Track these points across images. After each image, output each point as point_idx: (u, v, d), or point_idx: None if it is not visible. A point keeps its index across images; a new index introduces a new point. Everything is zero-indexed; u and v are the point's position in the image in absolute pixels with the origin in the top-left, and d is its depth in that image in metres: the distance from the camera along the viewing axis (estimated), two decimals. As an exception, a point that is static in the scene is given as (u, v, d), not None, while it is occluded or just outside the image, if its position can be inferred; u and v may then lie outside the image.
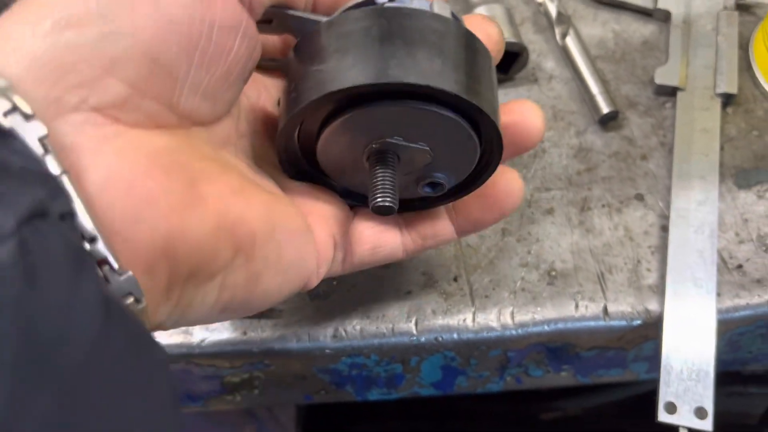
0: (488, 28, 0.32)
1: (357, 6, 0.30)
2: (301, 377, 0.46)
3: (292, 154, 0.32)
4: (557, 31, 0.52)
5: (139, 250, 0.24)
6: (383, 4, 0.29)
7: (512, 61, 0.50)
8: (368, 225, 0.35)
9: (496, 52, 0.32)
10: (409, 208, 0.35)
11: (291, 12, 0.30)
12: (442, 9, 0.30)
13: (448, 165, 0.32)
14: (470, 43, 0.29)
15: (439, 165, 0.31)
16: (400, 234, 0.35)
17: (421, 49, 0.27)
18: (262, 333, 0.43)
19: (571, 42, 0.51)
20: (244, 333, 0.43)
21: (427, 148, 0.30)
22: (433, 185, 0.33)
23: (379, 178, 0.29)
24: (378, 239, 0.35)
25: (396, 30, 0.27)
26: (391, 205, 0.29)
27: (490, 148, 0.31)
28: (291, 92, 0.29)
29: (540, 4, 0.53)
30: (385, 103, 0.28)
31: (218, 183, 0.28)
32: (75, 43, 0.24)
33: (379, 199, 0.29)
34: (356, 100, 0.28)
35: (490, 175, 0.33)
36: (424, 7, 0.29)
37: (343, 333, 0.43)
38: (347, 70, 0.27)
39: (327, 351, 0.43)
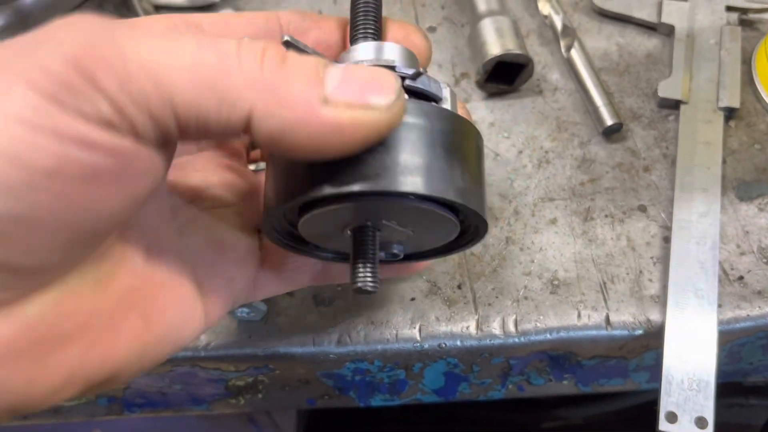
0: (415, 39, 0.33)
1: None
2: (305, 382, 0.47)
3: (278, 228, 0.32)
4: (562, 43, 0.53)
5: None
6: (404, 83, 0.29)
7: (518, 72, 0.51)
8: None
9: (424, 59, 0.33)
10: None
11: None
12: (446, 97, 0.30)
13: (424, 242, 0.33)
14: (464, 133, 0.29)
15: (414, 241, 0.32)
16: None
17: (415, 155, 0.26)
18: (268, 337, 0.44)
19: (575, 54, 0.52)
20: (249, 337, 0.44)
21: (411, 232, 0.31)
22: (392, 254, 0.34)
23: (360, 261, 0.30)
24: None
25: (393, 133, 0.27)
26: (372, 289, 0.29)
27: (474, 230, 0.32)
28: (283, 177, 0.28)
29: (545, 17, 0.54)
30: (378, 198, 0.28)
31: (78, 342, 0.26)
32: None
33: (360, 283, 0.29)
34: (349, 197, 0.28)
35: (472, 245, 0.33)
36: (438, 92, 0.30)
37: (348, 338, 0.43)
38: (343, 173, 0.26)
39: (331, 356, 0.44)
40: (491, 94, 0.52)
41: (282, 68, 0.24)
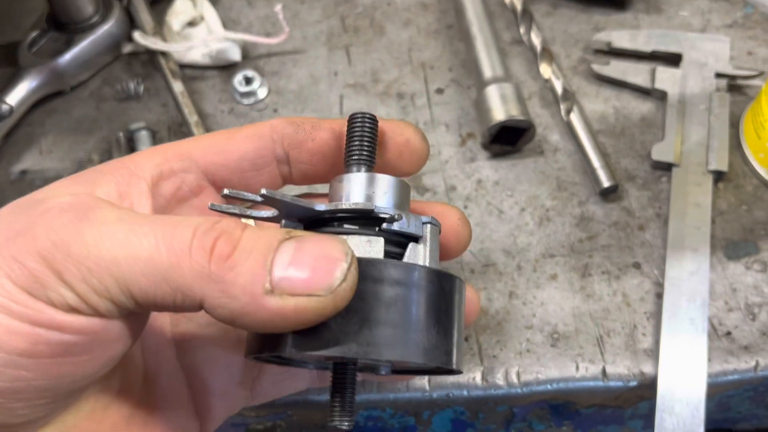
0: (409, 135, 0.35)
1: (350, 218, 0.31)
2: (320, 427, 0.50)
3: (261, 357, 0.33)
4: (562, 106, 0.56)
5: None
6: (381, 226, 0.31)
7: (521, 134, 0.54)
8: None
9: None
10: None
11: (280, 198, 0.30)
12: (425, 236, 0.32)
13: (402, 367, 0.36)
14: (433, 286, 0.30)
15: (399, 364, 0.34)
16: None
17: (378, 318, 0.28)
18: (287, 386, 0.47)
19: (575, 117, 0.56)
20: (270, 385, 0.47)
21: (390, 364, 0.35)
22: (380, 373, 0.37)
23: (338, 400, 0.31)
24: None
25: (380, 298, 0.28)
26: (348, 428, 0.31)
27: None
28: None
29: (546, 81, 0.58)
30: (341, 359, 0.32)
31: None
32: None
33: (337, 423, 0.31)
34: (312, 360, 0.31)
35: (453, 374, 0.36)
36: (418, 231, 0.32)
37: (361, 388, 0.47)
38: (307, 335, 0.28)
39: (346, 403, 0.47)
40: (496, 155, 0.56)
41: (229, 260, 0.25)
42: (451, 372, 0.32)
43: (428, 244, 0.32)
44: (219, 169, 0.34)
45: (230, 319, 0.26)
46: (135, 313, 0.27)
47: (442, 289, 0.31)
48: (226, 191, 0.30)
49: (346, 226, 0.31)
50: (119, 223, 0.26)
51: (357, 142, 0.33)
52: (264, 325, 0.26)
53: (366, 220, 0.31)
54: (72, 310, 0.25)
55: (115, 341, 0.27)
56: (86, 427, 0.29)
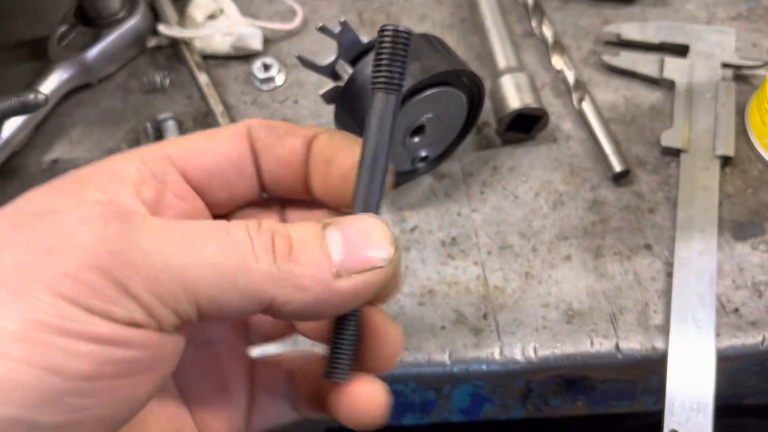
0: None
1: None
2: (327, 430, 0.52)
3: None
4: (574, 96, 0.59)
5: None
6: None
7: (534, 122, 0.56)
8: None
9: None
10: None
11: None
12: None
13: (447, 133, 0.53)
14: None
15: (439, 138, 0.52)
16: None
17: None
18: (314, 361, 0.49)
19: (586, 106, 0.58)
20: (298, 361, 0.49)
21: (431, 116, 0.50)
22: (421, 158, 0.52)
23: (337, 349, 0.30)
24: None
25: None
26: (341, 379, 0.30)
27: (477, 94, 0.53)
28: None
29: (558, 72, 0.60)
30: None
31: None
32: None
33: (330, 374, 0.29)
34: None
35: (480, 111, 0.54)
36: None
37: (385, 363, 0.49)
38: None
39: (370, 378, 0.49)
40: (510, 142, 0.58)
41: (292, 256, 0.25)
42: (480, 97, 0.54)
43: None
44: (200, 173, 0.31)
45: (302, 312, 0.26)
46: (188, 325, 0.26)
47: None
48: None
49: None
50: (173, 230, 0.25)
51: (387, 61, 0.28)
52: (337, 308, 0.27)
53: None
54: (135, 323, 0.24)
55: (172, 356, 0.26)
56: None
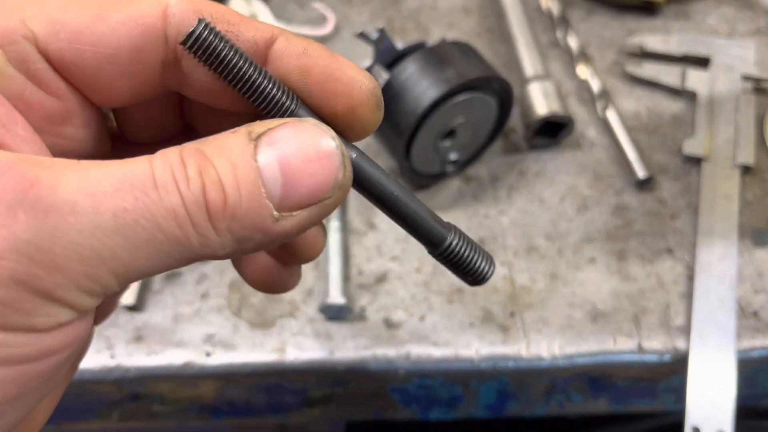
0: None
1: None
2: (374, 395, 0.54)
3: None
4: (598, 104, 0.60)
5: None
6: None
7: (560, 129, 0.58)
8: None
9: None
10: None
11: None
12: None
13: (479, 133, 0.56)
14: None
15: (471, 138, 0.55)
16: None
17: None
18: (346, 353, 0.51)
19: (610, 114, 0.60)
20: (331, 353, 0.51)
21: (463, 121, 0.53)
22: (452, 162, 0.55)
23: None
24: None
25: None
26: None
27: (505, 97, 0.55)
28: None
29: (583, 81, 0.62)
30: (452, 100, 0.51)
31: None
32: None
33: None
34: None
35: (509, 112, 0.57)
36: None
37: (416, 357, 0.51)
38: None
39: (400, 372, 0.51)
40: (537, 147, 0.60)
41: (227, 209, 0.22)
42: (509, 101, 0.56)
43: None
44: (69, 64, 0.24)
45: (251, 254, 0.25)
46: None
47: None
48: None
49: None
50: (95, 212, 0.20)
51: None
52: (286, 240, 0.24)
53: None
54: (61, 324, 0.21)
55: (90, 331, 0.24)
56: None
